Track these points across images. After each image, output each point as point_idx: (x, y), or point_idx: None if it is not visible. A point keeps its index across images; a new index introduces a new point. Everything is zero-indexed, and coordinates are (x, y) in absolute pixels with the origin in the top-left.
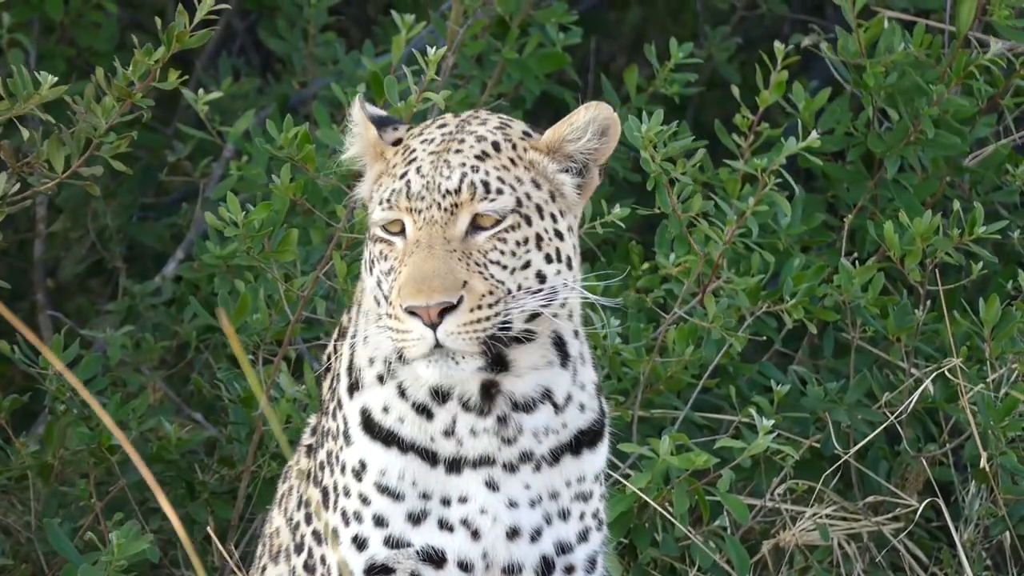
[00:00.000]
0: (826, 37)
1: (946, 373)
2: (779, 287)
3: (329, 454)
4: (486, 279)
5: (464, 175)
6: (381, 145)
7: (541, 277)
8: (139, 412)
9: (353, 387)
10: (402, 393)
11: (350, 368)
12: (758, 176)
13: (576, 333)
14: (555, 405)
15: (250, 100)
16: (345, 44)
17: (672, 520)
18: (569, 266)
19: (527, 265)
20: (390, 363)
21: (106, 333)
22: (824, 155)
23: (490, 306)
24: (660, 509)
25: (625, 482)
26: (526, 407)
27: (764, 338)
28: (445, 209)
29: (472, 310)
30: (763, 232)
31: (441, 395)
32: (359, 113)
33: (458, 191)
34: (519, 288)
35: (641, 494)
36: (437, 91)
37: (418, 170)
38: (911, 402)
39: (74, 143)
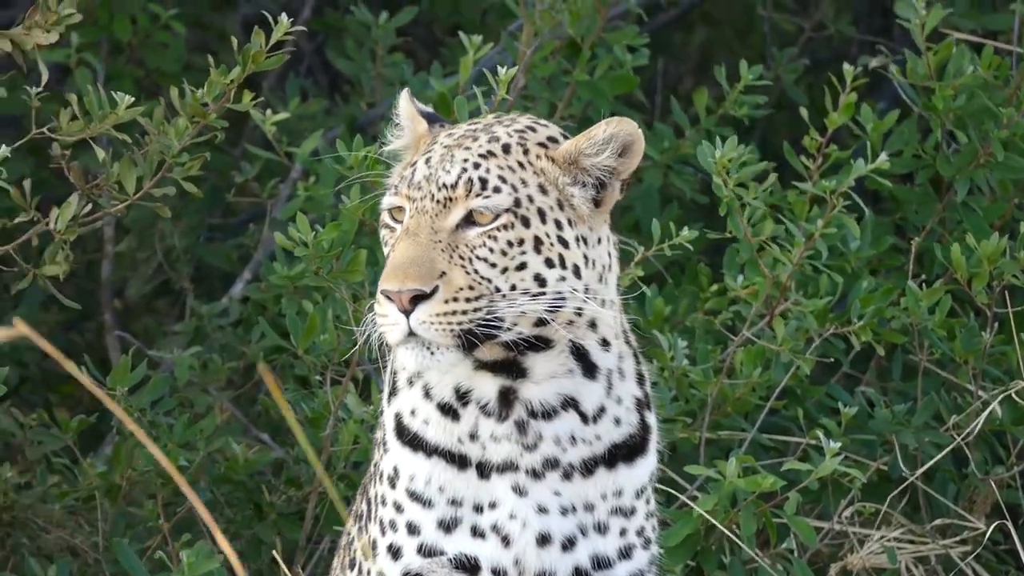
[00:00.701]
0: (893, 59)
1: (1014, 395)
2: (847, 309)
3: (374, 465)
4: (468, 273)
5: (463, 171)
6: (427, 139)
7: (540, 280)
8: (206, 433)
9: (391, 393)
10: (427, 394)
11: (391, 375)
12: (826, 198)
13: (606, 346)
14: (582, 415)
15: (317, 121)
16: (413, 65)
17: (739, 543)
18: (577, 275)
19: (523, 267)
20: None
21: (173, 354)
22: (892, 177)
23: (467, 300)
24: (727, 532)
25: (692, 504)
26: (545, 414)
27: (832, 360)
28: (438, 201)
29: (447, 301)
30: (832, 254)
31: (462, 396)
32: (408, 107)
33: (454, 186)
34: (513, 288)
35: (708, 516)
36: (507, 111)
37: (427, 161)
38: (978, 424)
39: (146, 164)
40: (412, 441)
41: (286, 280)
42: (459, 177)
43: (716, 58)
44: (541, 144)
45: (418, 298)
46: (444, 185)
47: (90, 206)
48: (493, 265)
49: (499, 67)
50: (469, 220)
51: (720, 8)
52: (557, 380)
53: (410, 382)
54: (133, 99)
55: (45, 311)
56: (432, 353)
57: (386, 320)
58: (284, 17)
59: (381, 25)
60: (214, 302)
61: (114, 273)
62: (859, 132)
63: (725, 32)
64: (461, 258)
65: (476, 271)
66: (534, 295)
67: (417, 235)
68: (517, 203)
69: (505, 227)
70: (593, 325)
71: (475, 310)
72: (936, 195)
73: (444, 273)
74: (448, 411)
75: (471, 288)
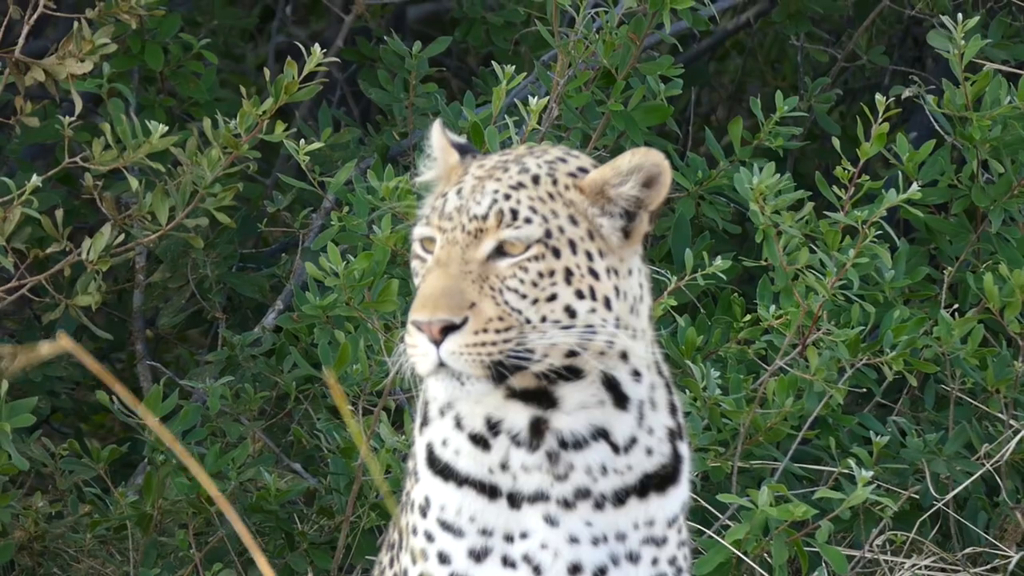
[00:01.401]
0: (926, 89)
1: None
2: (879, 339)
3: (406, 494)
4: (498, 304)
5: (495, 201)
6: (459, 170)
7: (570, 312)
8: (238, 463)
9: (423, 423)
10: (458, 424)
11: (423, 404)
12: (858, 228)
13: (638, 376)
14: (613, 446)
15: (350, 151)
16: (445, 95)
17: (771, 573)
18: (608, 306)
19: (553, 298)
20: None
21: (205, 384)
22: (925, 207)
23: (497, 331)
24: (754, 565)
25: (716, 538)
26: (576, 444)
27: (864, 390)
28: (469, 232)
29: (476, 332)
30: (866, 284)
31: (492, 427)
32: (440, 137)
33: (485, 217)
34: (543, 320)
35: (734, 550)
36: (539, 141)
37: (458, 192)
38: (1007, 451)
39: (179, 195)
40: (443, 471)
41: (318, 310)
42: (490, 208)
43: (749, 88)
44: (571, 175)
45: (448, 329)
46: (475, 216)
47: (122, 236)
48: (524, 296)
49: (531, 97)
50: (500, 251)
51: (753, 38)
52: (588, 411)
53: (441, 412)
54: (167, 128)
55: (77, 340)
56: (463, 384)
57: (416, 351)
58: (317, 48)
59: (414, 55)
60: (246, 332)
61: (146, 303)
62: (893, 162)
63: (758, 62)
64: (492, 289)
65: (506, 302)
66: (565, 326)
67: (447, 266)
68: (548, 234)
69: (536, 258)
70: (624, 356)
71: (505, 341)
72: (970, 225)
73: (474, 304)
74: (479, 441)
75: (501, 319)
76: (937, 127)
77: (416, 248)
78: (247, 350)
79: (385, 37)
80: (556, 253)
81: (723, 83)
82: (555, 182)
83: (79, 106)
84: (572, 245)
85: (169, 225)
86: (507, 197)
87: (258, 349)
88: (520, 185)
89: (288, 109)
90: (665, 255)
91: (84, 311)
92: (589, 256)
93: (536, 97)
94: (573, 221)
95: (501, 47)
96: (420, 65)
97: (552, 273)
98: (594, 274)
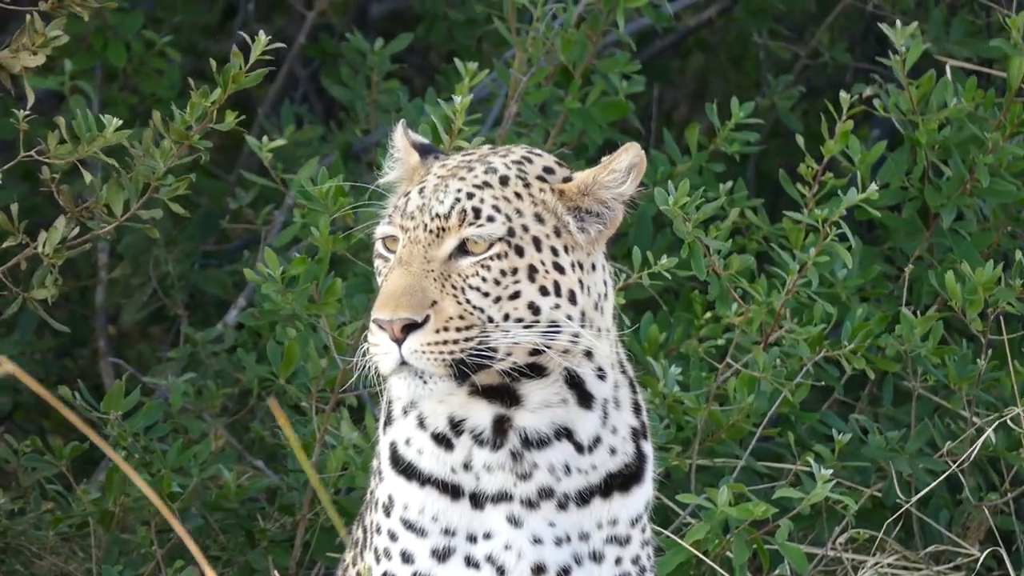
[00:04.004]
0: (887, 87)
1: (1008, 422)
2: (840, 337)
3: (370, 493)
4: (459, 303)
5: (457, 200)
6: (422, 170)
7: (534, 309)
8: (200, 459)
9: (386, 422)
10: (421, 423)
11: (386, 404)
12: (819, 227)
13: (602, 374)
14: (577, 445)
15: (313, 148)
16: (408, 92)
17: (729, 573)
18: (573, 301)
19: (516, 295)
20: None
21: (167, 380)
22: (882, 207)
23: (458, 329)
24: (714, 565)
25: (675, 538)
26: (539, 443)
27: (824, 385)
28: (431, 231)
29: (438, 331)
30: (822, 283)
31: (455, 426)
32: (402, 139)
33: (447, 216)
34: (506, 318)
35: (694, 551)
36: (499, 140)
37: (420, 191)
38: (973, 451)
39: (132, 186)
40: (406, 470)
41: (278, 308)
42: (452, 207)
43: (712, 85)
44: (539, 176)
45: (409, 327)
46: (437, 215)
47: (78, 229)
48: (486, 295)
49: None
50: (462, 250)
51: (716, 35)
52: (551, 409)
53: (404, 412)
54: (121, 122)
55: (39, 337)
56: (425, 383)
57: (378, 349)
58: (262, 34)
59: (376, 52)
60: (208, 328)
61: (108, 299)
62: (845, 164)
63: (721, 59)
64: (453, 287)
65: (468, 300)
66: (528, 324)
67: (409, 264)
68: (511, 232)
69: (498, 256)
70: (589, 354)
71: (467, 340)
72: (924, 224)
73: (435, 303)
74: (442, 441)
75: (462, 318)
76: (899, 126)
77: (379, 247)
78: (209, 347)
79: (347, 34)
80: (519, 251)
81: (685, 80)
82: (526, 183)
83: (31, 99)
84: (536, 243)
85: (124, 216)
86: (470, 196)
87: (220, 346)
88: (485, 184)
89: (251, 106)
90: (627, 253)
91: (43, 305)
92: (554, 252)
93: (499, 96)
94: (539, 219)
95: (464, 44)
96: (382, 62)
97: (515, 271)
98: (559, 269)
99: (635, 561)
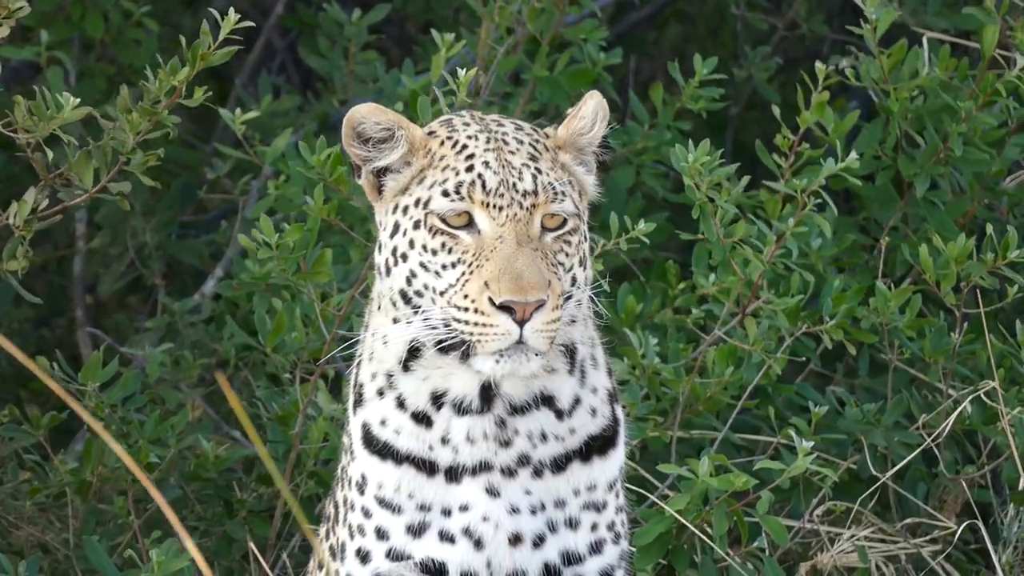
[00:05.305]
0: (862, 56)
1: (983, 395)
2: (818, 308)
3: (342, 469)
4: (560, 279)
5: (535, 176)
6: (427, 140)
7: (575, 280)
8: (177, 429)
9: (357, 403)
10: (400, 404)
11: (355, 385)
12: (797, 197)
13: (582, 333)
14: (557, 411)
15: (290, 118)
16: (385, 63)
17: (711, 542)
18: (583, 267)
19: (570, 268)
20: (391, 376)
21: (145, 350)
22: (857, 177)
23: (560, 307)
24: (698, 532)
25: (663, 504)
26: (522, 410)
27: (803, 358)
28: (526, 208)
29: (553, 309)
30: (798, 254)
31: (436, 399)
32: (394, 116)
33: (535, 192)
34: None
35: (679, 517)
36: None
37: (486, 164)
38: (948, 424)
39: (102, 158)
40: (381, 450)
41: (256, 279)
42: (535, 181)
43: (689, 56)
44: (547, 137)
45: (538, 307)
46: (527, 191)
47: (48, 201)
48: (569, 269)
49: (458, 68)
50: (542, 226)
51: (693, 6)
52: (539, 379)
53: (380, 393)
54: (79, 100)
55: (16, 307)
56: (529, 359)
57: (494, 330)
58: (232, 12)
59: (354, 22)
60: (186, 299)
61: (86, 269)
62: (819, 134)
63: (698, 30)
64: (552, 265)
65: (560, 276)
66: (569, 296)
67: (520, 244)
68: (575, 204)
69: (573, 231)
70: (585, 318)
71: (563, 314)
72: (899, 194)
73: (550, 281)
74: (422, 419)
75: (563, 295)
76: (873, 96)
77: (437, 223)
78: (186, 317)
79: (325, 4)
80: (581, 221)
81: (662, 52)
82: (547, 148)
83: None
84: (581, 213)
85: (94, 189)
86: (539, 171)
87: (198, 316)
88: (534, 157)
89: (228, 76)
90: (603, 224)
91: (16, 276)
92: (583, 220)
93: (471, 67)
94: (572, 185)
95: (441, 15)
96: (360, 33)
97: (580, 243)
98: (585, 237)
99: (610, 527)
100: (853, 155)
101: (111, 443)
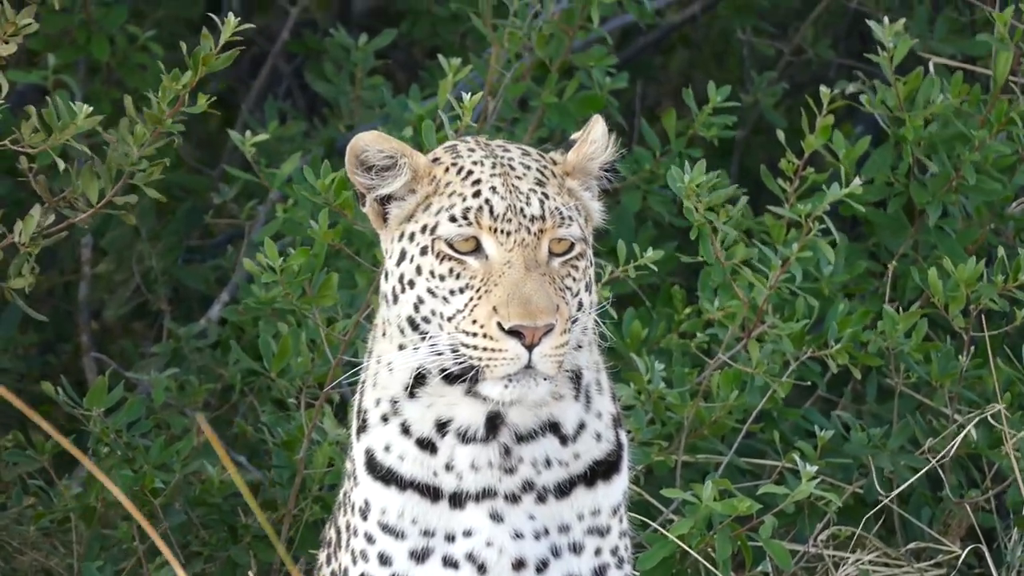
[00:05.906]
0: (871, 83)
1: (989, 419)
2: (823, 332)
3: (344, 495)
4: (568, 304)
5: (542, 201)
6: (431, 167)
7: (581, 305)
8: (183, 455)
9: (360, 429)
10: (405, 431)
11: (359, 411)
12: (802, 222)
13: (587, 358)
14: (562, 437)
15: (296, 143)
16: (392, 88)
17: (713, 568)
18: (589, 291)
19: (577, 293)
20: (395, 402)
21: (150, 375)
22: (867, 203)
23: (568, 331)
24: (700, 559)
25: (663, 530)
26: (528, 437)
27: (808, 383)
28: (534, 234)
29: (561, 333)
30: (806, 279)
31: (441, 427)
32: (397, 144)
33: (543, 217)
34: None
35: (681, 543)
36: (484, 135)
37: (493, 190)
38: (953, 447)
39: (107, 174)
40: (385, 476)
41: (262, 303)
42: (542, 208)
43: (695, 81)
44: (554, 163)
45: (546, 332)
46: (534, 216)
47: (54, 217)
48: (576, 293)
49: (463, 94)
50: (550, 251)
51: (699, 31)
52: (546, 406)
53: (384, 419)
54: (92, 108)
55: (22, 332)
56: (538, 384)
57: (503, 355)
58: (231, 16)
59: (360, 48)
60: (191, 324)
61: (91, 294)
62: (829, 159)
63: (704, 56)
64: (560, 289)
65: (567, 301)
66: (575, 320)
67: (528, 269)
68: (581, 229)
69: (580, 256)
70: (590, 342)
71: (570, 339)
72: (909, 220)
73: (558, 306)
74: (426, 446)
75: (569, 318)
76: (881, 123)
77: (444, 248)
78: (192, 342)
79: (331, 30)
80: (584, 249)
81: (669, 77)
82: (554, 175)
83: (5, 88)
84: (585, 239)
85: (100, 204)
86: (546, 196)
87: (203, 341)
88: (541, 183)
89: (234, 101)
90: (611, 250)
91: (21, 295)
92: (589, 244)
93: (478, 92)
94: (578, 210)
95: (447, 40)
96: (366, 58)
97: (586, 268)
98: (591, 262)
99: (614, 552)
100: (857, 181)
101: (102, 478)
